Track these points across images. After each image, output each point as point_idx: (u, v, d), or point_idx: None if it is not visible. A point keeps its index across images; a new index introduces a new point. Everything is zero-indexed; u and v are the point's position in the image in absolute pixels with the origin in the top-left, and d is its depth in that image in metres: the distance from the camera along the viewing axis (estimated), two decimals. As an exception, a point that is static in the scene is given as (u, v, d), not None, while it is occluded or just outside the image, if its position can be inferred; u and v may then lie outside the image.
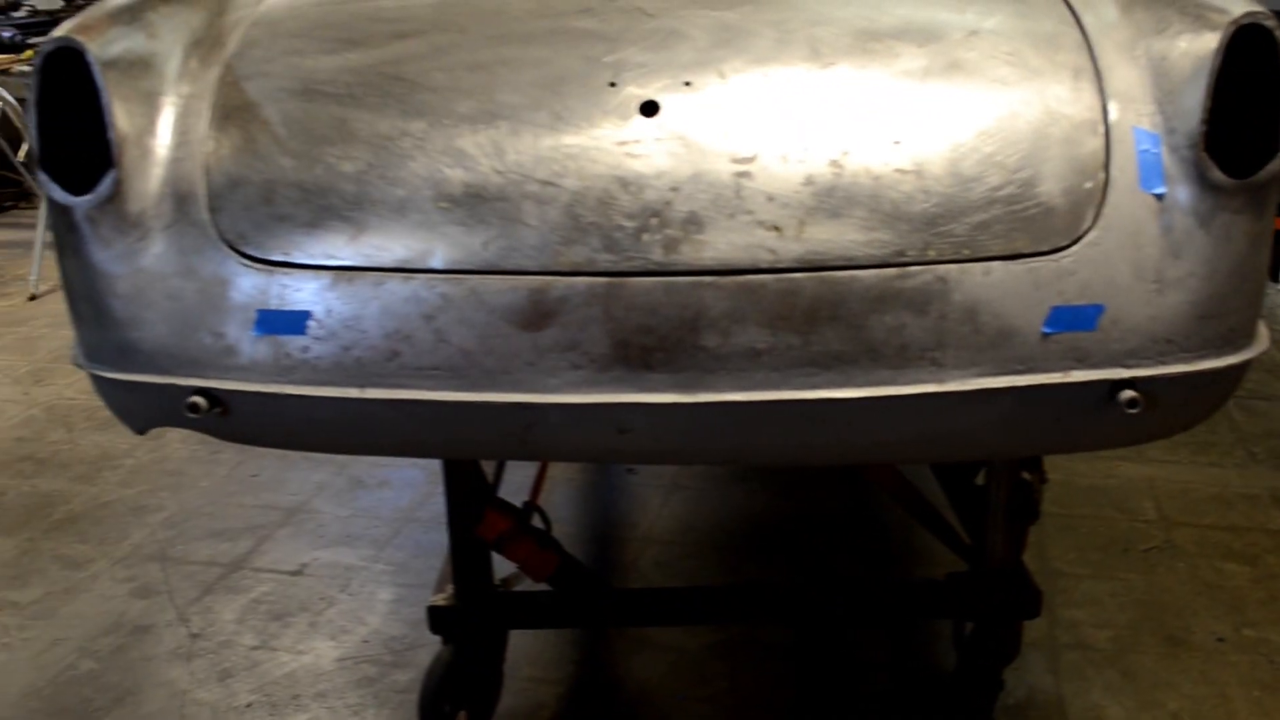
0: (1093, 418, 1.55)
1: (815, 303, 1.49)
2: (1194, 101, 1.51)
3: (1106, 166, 1.53)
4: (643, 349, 1.50)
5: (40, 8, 8.15)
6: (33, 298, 5.58)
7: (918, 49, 1.61)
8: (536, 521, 2.41)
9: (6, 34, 6.92)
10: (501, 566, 2.37)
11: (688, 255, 1.49)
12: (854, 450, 1.59)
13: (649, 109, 1.55)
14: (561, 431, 1.54)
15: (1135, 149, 1.54)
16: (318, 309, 1.55)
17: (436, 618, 2.35)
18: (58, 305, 5.49)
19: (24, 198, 7.57)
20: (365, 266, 1.54)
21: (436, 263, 1.53)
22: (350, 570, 3.07)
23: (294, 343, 1.56)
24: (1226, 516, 3.24)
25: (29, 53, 6.49)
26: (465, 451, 1.62)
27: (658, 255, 1.49)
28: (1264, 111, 1.51)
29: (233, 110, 1.64)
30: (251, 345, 1.57)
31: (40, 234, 5.73)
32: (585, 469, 3.59)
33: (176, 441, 3.86)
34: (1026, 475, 2.36)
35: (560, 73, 1.60)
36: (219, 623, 2.86)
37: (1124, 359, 1.52)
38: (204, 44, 1.72)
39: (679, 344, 1.49)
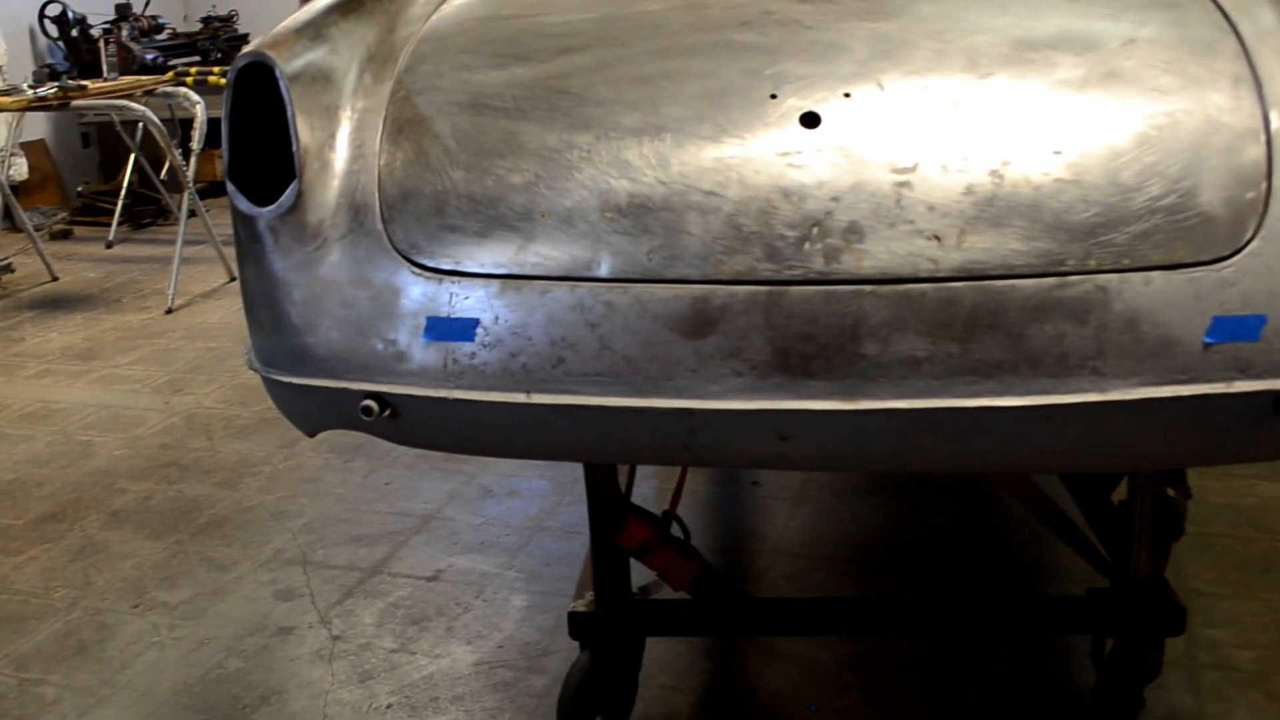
0: (1256, 428, 1.54)
1: (975, 311, 1.50)
2: None
3: (1269, 175, 1.53)
4: (803, 356, 1.53)
5: (180, 30, 8.46)
6: (169, 311, 5.79)
7: (1075, 58, 1.62)
8: (675, 531, 2.45)
9: (149, 56, 7.19)
10: (638, 574, 2.41)
11: (848, 264, 1.52)
12: (1014, 459, 1.60)
13: (810, 120, 1.59)
14: (724, 437, 1.58)
15: None
16: (486, 316, 1.60)
17: (576, 623, 2.39)
18: (194, 318, 5.70)
19: (163, 214, 7.87)
20: (532, 275, 1.59)
21: (602, 271, 1.57)
22: (484, 577, 3.14)
23: (462, 349, 1.62)
24: (1372, 537, 3.16)
25: (170, 74, 6.74)
26: (629, 456, 1.66)
27: (819, 264, 1.52)
28: None
29: (404, 124, 1.71)
30: (421, 351, 1.63)
31: (178, 250, 5.95)
32: (710, 481, 3.62)
33: (310, 450, 3.97)
34: (1171, 491, 2.33)
35: (722, 85, 1.64)
36: (359, 625, 2.94)
37: None
38: (377, 59, 1.80)
39: (839, 352, 1.52)
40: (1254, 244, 1.51)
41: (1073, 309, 1.50)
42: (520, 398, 1.60)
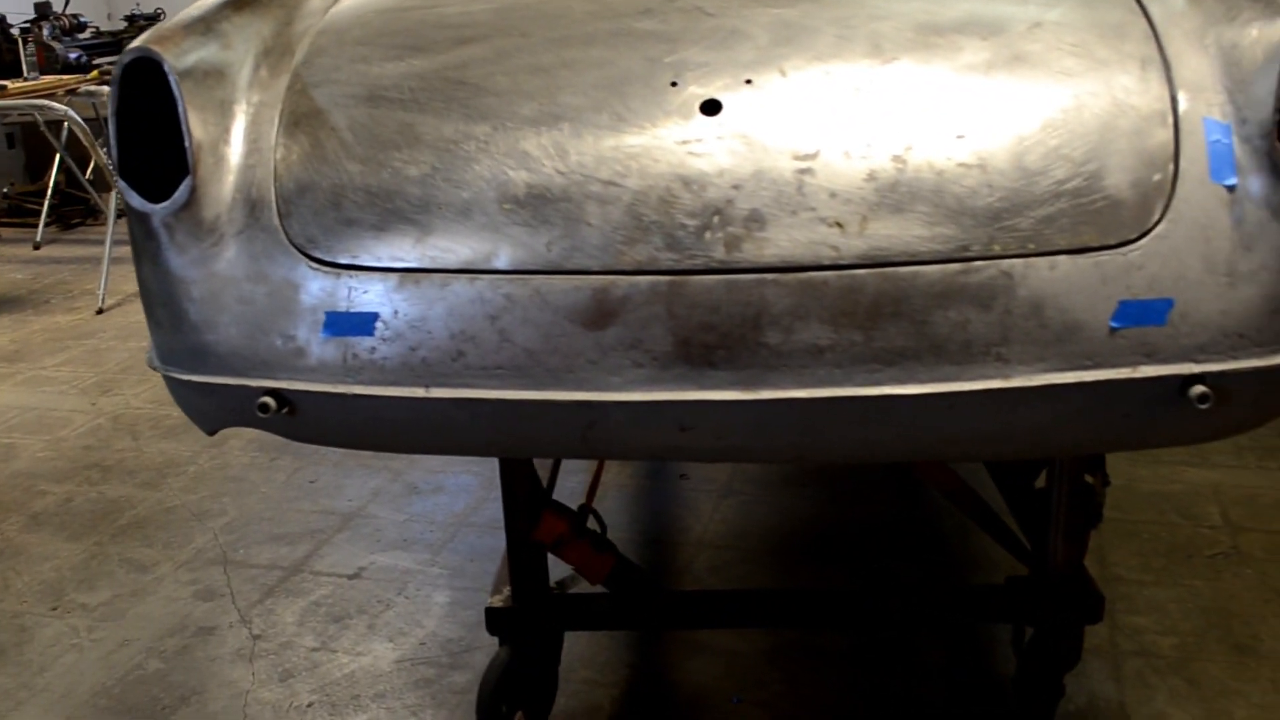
0: (1162, 414, 1.52)
1: (878, 299, 1.47)
2: (1266, 90, 1.48)
3: (1176, 158, 1.51)
4: (705, 347, 1.49)
5: (104, 29, 8.30)
6: (100, 311, 5.67)
7: (981, 42, 1.59)
8: (592, 524, 2.41)
9: (73, 55, 7.04)
10: (556, 569, 2.37)
11: (750, 253, 1.48)
12: (919, 447, 1.57)
13: (710, 108, 1.55)
14: (624, 429, 1.54)
15: (1205, 140, 1.51)
16: (385, 310, 1.56)
17: (494, 619, 2.35)
18: (124, 318, 5.58)
19: (92, 214, 7.72)
20: (431, 268, 1.55)
21: (501, 264, 1.53)
22: (407, 574, 3.08)
23: (361, 344, 1.57)
24: (1294, 522, 3.18)
25: (94, 73, 6.60)
26: (529, 450, 1.62)
27: (720, 253, 1.48)
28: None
29: (301, 117, 1.65)
30: (320, 347, 1.58)
31: (108, 249, 5.82)
32: (637, 474, 3.58)
33: (237, 449, 3.89)
34: (1089, 478, 2.32)
35: (622, 73, 1.60)
36: (280, 624, 2.88)
37: (1194, 354, 1.49)
38: (273, 53, 1.74)
39: (741, 341, 1.48)
40: (1161, 227, 1.49)
41: (977, 295, 1.47)
42: (419, 392, 1.55)
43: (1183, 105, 1.53)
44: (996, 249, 1.47)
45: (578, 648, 2.69)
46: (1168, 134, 1.52)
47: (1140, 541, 3.09)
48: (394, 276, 1.55)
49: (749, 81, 1.57)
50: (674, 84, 1.57)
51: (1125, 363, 1.49)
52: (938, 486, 2.49)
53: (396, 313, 1.55)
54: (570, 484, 3.25)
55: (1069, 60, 1.57)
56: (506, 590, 2.36)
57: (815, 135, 1.52)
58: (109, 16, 9.19)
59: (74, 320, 5.64)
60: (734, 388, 1.49)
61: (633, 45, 1.63)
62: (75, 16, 8.01)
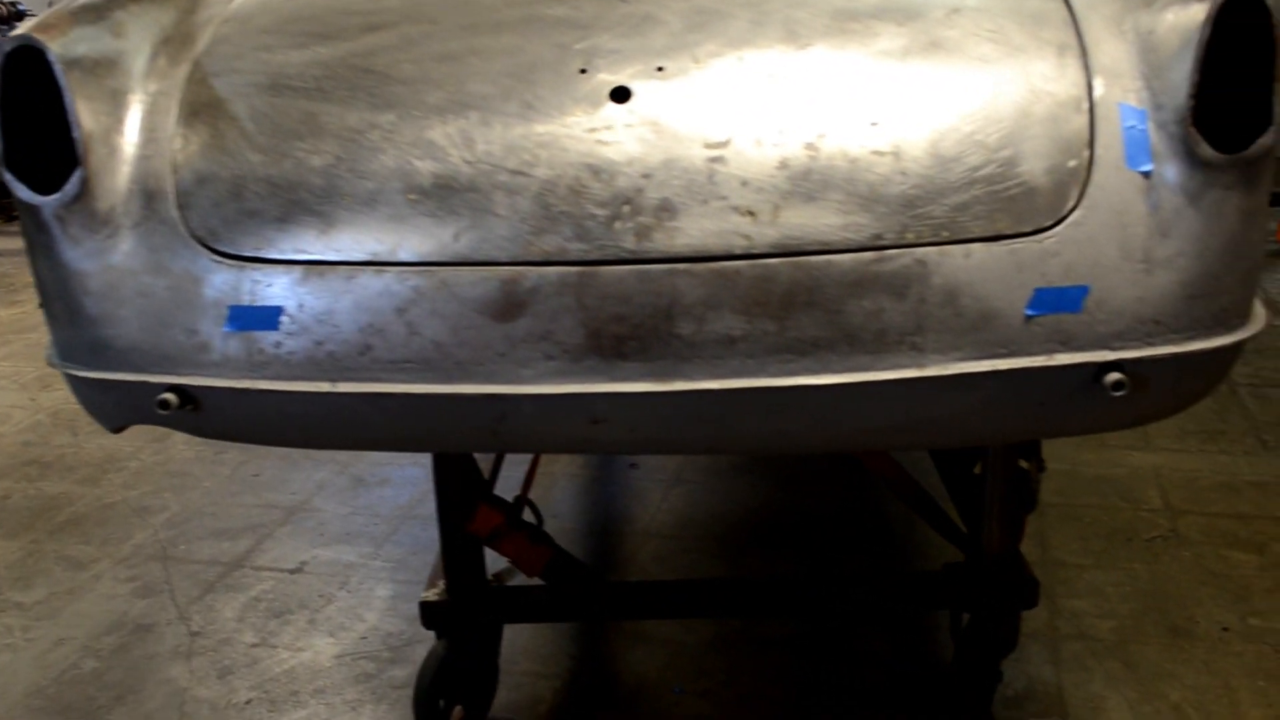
0: (1079, 401, 1.50)
1: (791, 288, 1.44)
2: (1182, 75, 1.45)
3: (1091, 144, 1.48)
4: (616, 338, 1.46)
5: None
6: (42, 305, 5.56)
7: (897, 28, 1.56)
8: (529, 516, 2.38)
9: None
10: (495, 562, 2.34)
11: (660, 243, 1.45)
12: (833, 437, 1.55)
13: (620, 95, 1.51)
14: (535, 422, 1.50)
15: (1121, 126, 1.49)
16: (290, 304, 1.51)
17: (429, 613, 2.32)
18: (68, 309, 5.47)
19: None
20: (336, 261, 1.50)
21: (407, 255, 1.49)
22: (349, 567, 3.04)
23: (266, 338, 1.53)
24: (1234, 505, 3.18)
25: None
26: (440, 445, 1.58)
27: (630, 243, 1.45)
28: (1254, 85, 1.46)
29: (201, 107, 1.61)
30: (224, 341, 1.54)
31: (51, 239, 5.71)
32: (586, 464, 3.55)
33: (181, 444, 3.84)
34: (1024, 464, 2.31)
35: (531, 61, 1.56)
36: (219, 620, 2.84)
37: (1110, 341, 1.47)
38: (174, 41, 1.69)
39: (652, 332, 1.45)
40: (1076, 214, 1.46)
41: (891, 283, 1.44)
42: (326, 387, 1.51)
43: (1099, 91, 1.51)
44: (910, 237, 1.45)
45: (520, 640, 2.66)
46: (1083, 120, 1.49)
47: (1082, 525, 3.09)
48: (298, 269, 1.51)
49: (660, 69, 1.53)
50: (583, 71, 1.54)
51: (1041, 350, 1.46)
52: (876, 472, 2.47)
53: (302, 306, 1.51)
54: (516, 474, 3.21)
55: (986, 46, 1.54)
56: (441, 584, 2.33)
57: (727, 123, 1.49)
58: (49, 3, 9.04)
59: (14, 314, 5.56)
60: (646, 379, 1.46)
61: (543, 32, 1.59)
62: (14, 4, 7.88)
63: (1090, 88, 1.51)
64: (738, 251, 1.44)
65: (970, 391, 1.47)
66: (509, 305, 1.47)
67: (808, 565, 2.99)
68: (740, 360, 1.45)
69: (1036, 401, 1.50)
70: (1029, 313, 1.45)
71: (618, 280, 1.45)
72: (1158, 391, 1.52)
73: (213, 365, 1.55)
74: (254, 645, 2.73)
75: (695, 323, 1.45)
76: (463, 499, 2.25)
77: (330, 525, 3.28)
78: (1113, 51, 1.53)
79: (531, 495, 2.37)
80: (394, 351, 1.49)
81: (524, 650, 2.65)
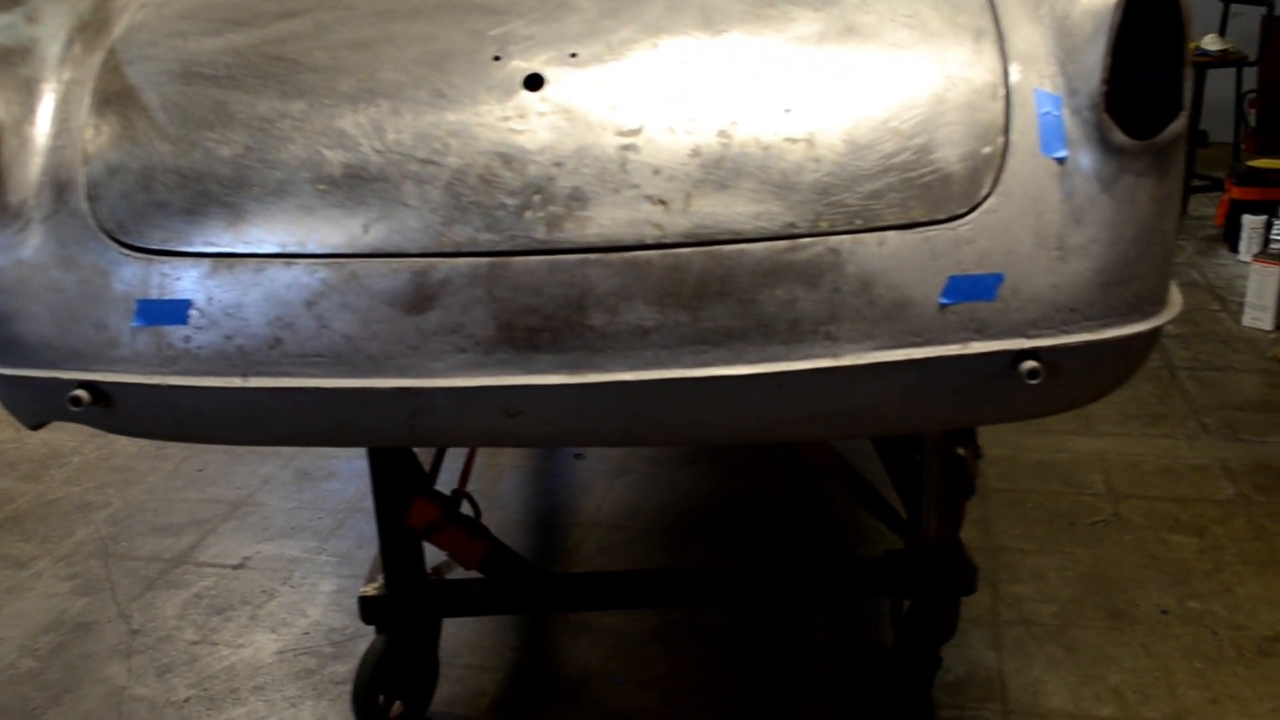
0: (994, 390, 1.49)
1: (704, 278, 1.43)
2: (1095, 60, 1.44)
3: (1006, 131, 1.47)
4: (528, 330, 1.44)
5: None
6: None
7: (813, 13, 1.55)
8: (468, 509, 2.36)
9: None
10: (436, 555, 2.32)
11: (572, 232, 1.43)
12: (749, 429, 1.53)
13: (533, 83, 1.49)
14: (449, 416, 1.48)
15: (1036, 112, 1.48)
16: (199, 297, 1.49)
17: (367, 608, 2.30)
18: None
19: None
20: (245, 253, 1.48)
21: (317, 247, 1.47)
22: (293, 562, 3.02)
23: (176, 332, 1.50)
24: (1175, 488, 3.19)
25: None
26: (355, 440, 1.56)
27: (541, 233, 1.43)
28: (1166, 70, 1.46)
29: (112, 96, 1.57)
30: (133, 336, 1.51)
31: None
32: (533, 456, 3.53)
33: (125, 439, 3.79)
34: (961, 450, 2.31)
35: (445, 48, 1.54)
36: (160, 618, 2.80)
37: (1025, 329, 1.46)
38: (90, 28, 1.66)
39: (565, 324, 1.43)
40: (990, 201, 1.45)
41: (804, 272, 1.43)
42: (237, 382, 1.48)
43: (1015, 77, 1.50)
44: (824, 225, 1.44)
45: (464, 633, 2.65)
46: (999, 106, 1.48)
47: (1025, 510, 3.10)
48: (207, 262, 1.49)
49: (574, 55, 1.51)
50: (497, 58, 1.52)
51: (956, 339, 1.45)
52: (813, 460, 2.46)
53: (211, 299, 1.48)
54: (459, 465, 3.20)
55: (902, 32, 1.53)
56: (380, 578, 2.30)
57: (640, 110, 1.47)
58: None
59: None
60: (559, 371, 1.44)
61: (458, 18, 1.57)
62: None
63: (1006, 73, 1.50)
64: (649, 241, 1.43)
65: (885, 381, 1.46)
66: (420, 297, 1.44)
67: (752, 553, 2.98)
68: (654, 351, 1.44)
69: (952, 390, 1.49)
70: (943, 301, 1.44)
71: (529, 271, 1.43)
72: (1073, 379, 1.51)
73: (122, 361, 1.52)
74: (194, 643, 2.70)
75: (608, 314, 1.43)
76: (400, 493, 2.23)
77: (275, 520, 3.24)
78: (1029, 36, 1.52)
79: (478, 487, 2.35)
80: (304, 345, 1.47)
81: (467, 643, 2.63)
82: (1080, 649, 2.54)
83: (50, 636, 2.75)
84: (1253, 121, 7.02)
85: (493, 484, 3.31)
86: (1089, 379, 1.53)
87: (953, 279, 1.45)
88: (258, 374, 1.48)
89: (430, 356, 1.45)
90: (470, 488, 2.36)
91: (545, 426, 1.49)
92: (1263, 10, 5.83)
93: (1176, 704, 2.37)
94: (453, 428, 1.51)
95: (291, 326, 1.47)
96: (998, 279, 1.45)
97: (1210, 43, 5.69)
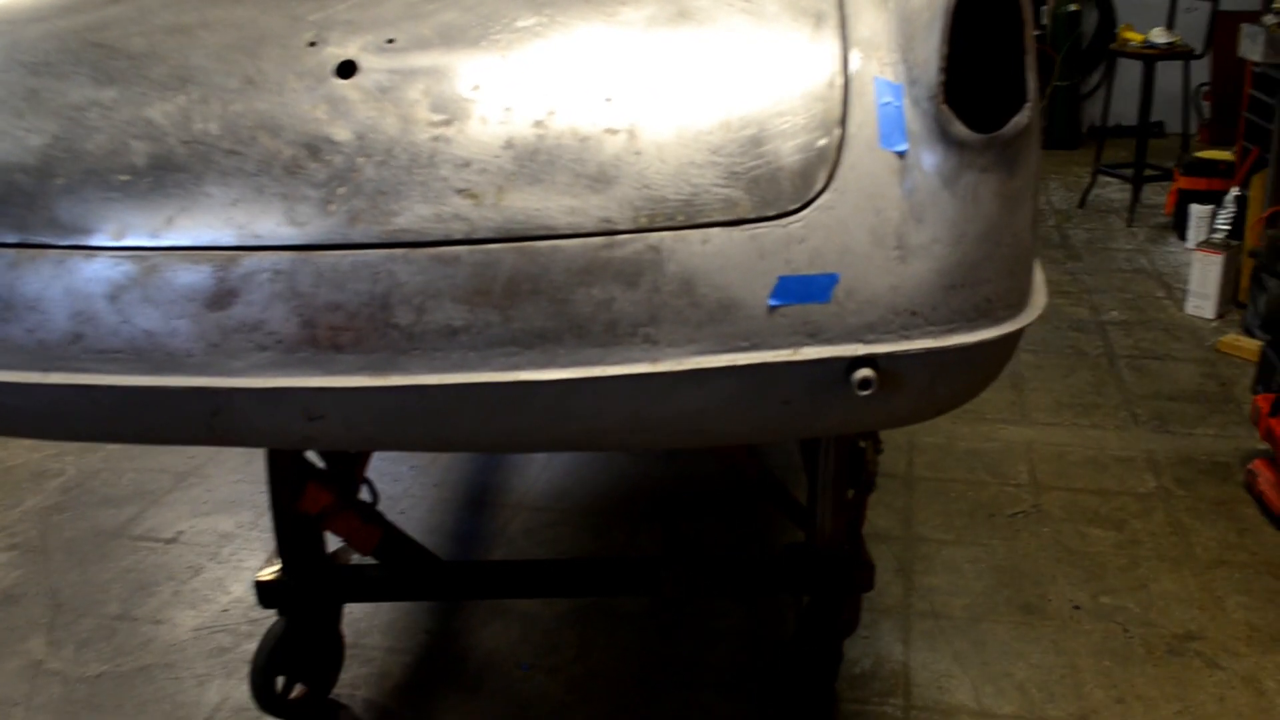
0: (828, 399, 1.33)
1: (515, 276, 1.28)
2: (932, 48, 1.28)
3: (844, 122, 1.31)
4: (331, 329, 1.30)
5: None
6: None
7: None
8: (366, 495, 2.23)
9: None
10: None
11: (377, 226, 1.28)
12: (563, 436, 1.38)
13: (346, 69, 1.35)
14: (249, 418, 1.34)
15: (876, 102, 1.32)
16: (0, 289, 1.35)
17: (264, 592, 2.18)
18: None
19: None
20: (47, 244, 1.34)
21: (120, 239, 1.33)
22: (225, 538, 2.89)
23: None
24: (1098, 480, 3.02)
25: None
26: (156, 439, 1.42)
27: (345, 227, 1.29)
28: (1009, 61, 1.29)
29: None
30: None
31: None
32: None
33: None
34: (861, 444, 2.15)
35: (261, 33, 1.39)
36: (87, 592, 2.69)
37: (862, 333, 1.31)
38: None
39: (369, 322, 1.29)
40: (825, 196, 1.29)
41: (622, 271, 1.28)
42: (36, 377, 1.35)
43: (855, 65, 1.33)
44: (643, 221, 1.28)
45: (380, 615, 2.53)
46: (837, 96, 1.32)
47: (947, 501, 2.93)
48: (9, 252, 1.35)
49: (391, 40, 1.36)
50: (313, 44, 1.37)
51: (785, 344, 1.30)
52: (721, 452, 2.31)
53: (12, 291, 1.34)
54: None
55: (737, 17, 1.37)
56: (277, 562, 2.18)
57: (454, 99, 1.32)
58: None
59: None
60: (363, 373, 1.30)
61: (281, 2, 1.42)
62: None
63: (846, 61, 1.34)
64: (457, 236, 1.28)
65: (708, 388, 1.31)
66: (221, 292, 1.30)
67: (673, 540, 2.83)
68: (462, 353, 1.29)
69: (780, 399, 1.34)
70: (773, 303, 1.29)
71: (331, 266, 1.29)
72: (914, 389, 1.35)
73: None
74: (116, 618, 2.59)
75: (414, 312, 1.28)
76: (294, 477, 2.10)
77: (216, 492, 3.12)
78: (873, 22, 1.36)
79: (419, 464, 2.20)
80: (105, 341, 1.33)
81: (380, 625, 2.51)
82: (989, 644, 2.39)
83: (-25, 609, 2.65)
84: (1207, 113, 6.81)
85: (430, 462, 3.16)
86: (934, 388, 1.37)
87: (783, 279, 1.29)
88: (58, 369, 1.34)
89: (230, 355, 1.31)
90: (411, 463, 2.22)
91: (347, 431, 1.35)
92: (1209, 4, 5.61)
93: (1082, 703, 2.22)
94: (253, 429, 1.37)
95: (93, 321, 1.33)
96: (832, 280, 1.30)
97: (1158, 35, 5.46)
